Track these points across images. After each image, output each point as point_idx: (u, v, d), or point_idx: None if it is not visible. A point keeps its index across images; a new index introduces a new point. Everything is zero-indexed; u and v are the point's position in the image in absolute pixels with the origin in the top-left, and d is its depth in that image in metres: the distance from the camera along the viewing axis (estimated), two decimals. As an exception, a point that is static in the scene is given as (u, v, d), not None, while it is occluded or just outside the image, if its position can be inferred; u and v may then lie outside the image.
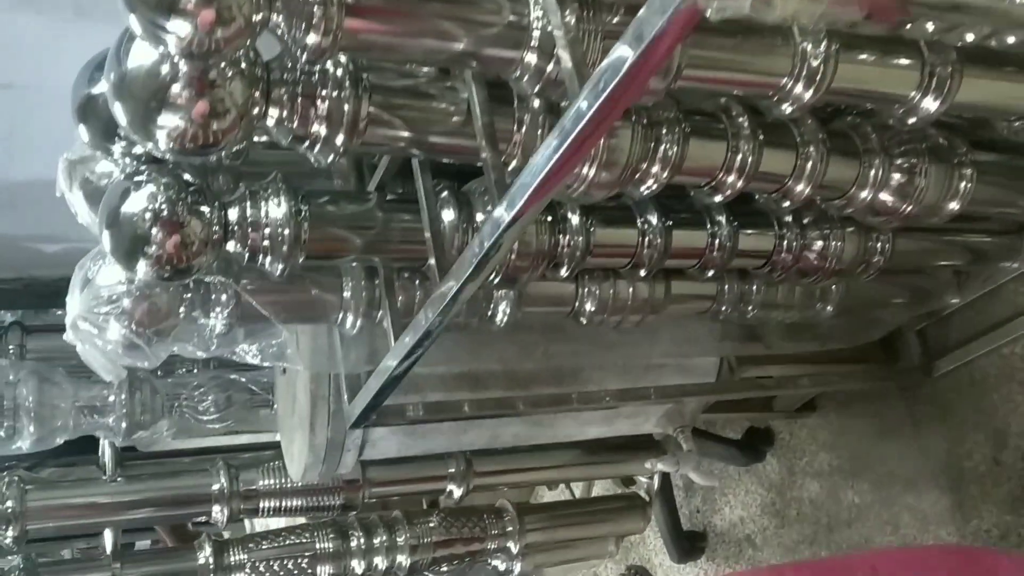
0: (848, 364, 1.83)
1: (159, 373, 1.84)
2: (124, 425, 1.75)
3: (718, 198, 1.23)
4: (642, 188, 1.16)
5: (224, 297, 1.22)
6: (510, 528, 2.10)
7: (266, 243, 1.12)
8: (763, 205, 1.41)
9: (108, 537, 1.79)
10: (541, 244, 1.26)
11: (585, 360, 1.61)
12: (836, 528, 2.10)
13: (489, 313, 1.38)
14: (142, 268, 1.07)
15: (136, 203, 1.06)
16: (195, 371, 1.93)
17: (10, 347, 1.87)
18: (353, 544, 1.93)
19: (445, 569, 2.21)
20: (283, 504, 1.85)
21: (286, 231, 1.12)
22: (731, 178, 1.20)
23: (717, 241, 1.37)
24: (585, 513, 2.25)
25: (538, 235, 1.25)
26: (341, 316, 1.28)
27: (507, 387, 1.57)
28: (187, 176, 1.09)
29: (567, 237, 1.28)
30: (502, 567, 2.27)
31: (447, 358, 1.52)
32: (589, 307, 1.41)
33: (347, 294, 1.25)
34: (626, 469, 2.20)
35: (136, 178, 1.08)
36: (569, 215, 1.27)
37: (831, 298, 1.59)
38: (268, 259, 1.13)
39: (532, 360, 1.59)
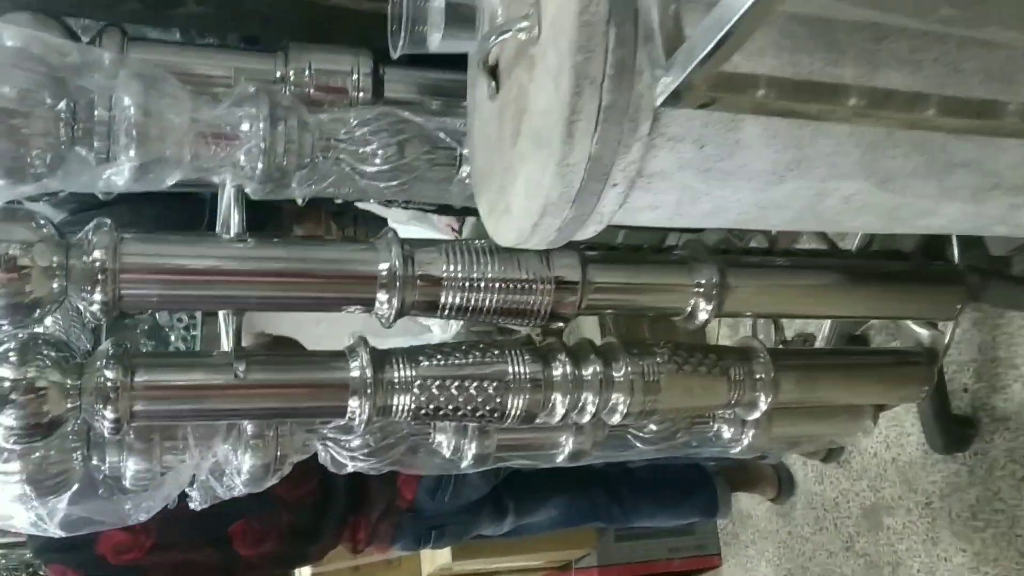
0: None
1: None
2: (260, 165, 1.21)
3: None
4: None
5: None
6: (760, 376, 1.52)
7: None
8: None
9: (224, 323, 1.27)
10: None
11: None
12: None
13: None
14: None
15: None
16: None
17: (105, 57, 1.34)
18: (557, 373, 1.39)
19: (655, 428, 1.66)
20: (472, 301, 1.30)
21: None
22: None
23: None
24: (850, 367, 1.66)
25: None
26: None
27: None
28: None
29: None
30: (728, 433, 1.71)
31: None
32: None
33: None
34: (928, 308, 1.60)
35: None
36: None
37: None
38: None
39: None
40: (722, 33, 0.74)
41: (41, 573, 5.37)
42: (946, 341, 1.66)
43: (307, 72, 1.40)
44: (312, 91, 1.41)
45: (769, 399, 1.52)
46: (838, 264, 1.60)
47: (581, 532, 2.78)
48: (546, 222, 1.03)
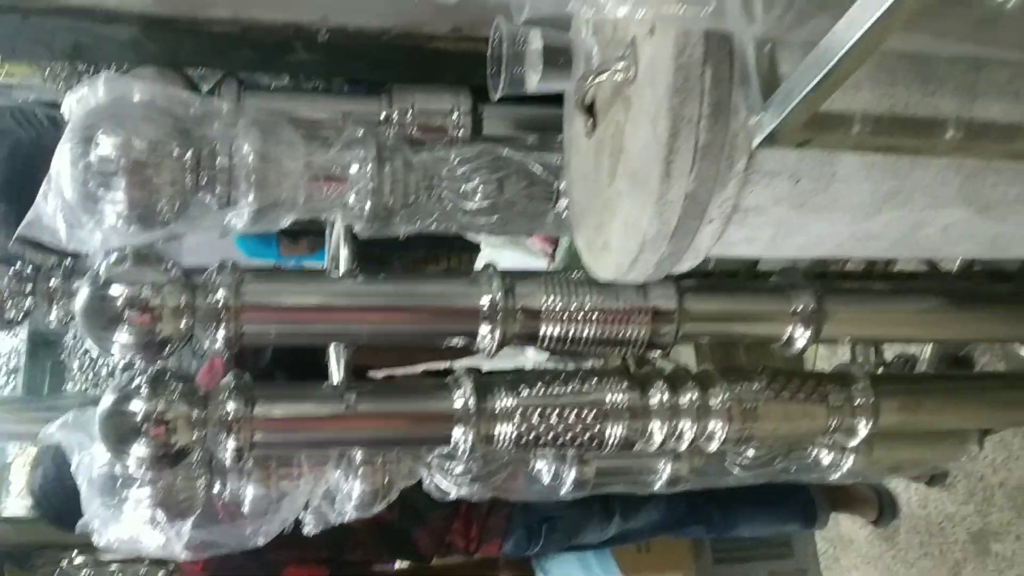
0: None
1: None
2: (368, 205, 1.28)
3: None
4: None
5: None
6: (859, 401, 1.51)
7: None
8: None
9: (335, 357, 1.33)
10: None
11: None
12: None
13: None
14: None
15: None
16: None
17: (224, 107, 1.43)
18: (653, 400, 1.41)
19: (753, 454, 1.67)
20: (571, 332, 1.34)
21: None
22: None
23: None
24: (955, 392, 1.63)
25: None
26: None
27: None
28: None
29: None
30: (827, 459, 1.70)
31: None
32: None
33: None
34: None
35: None
36: None
37: None
38: None
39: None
40: (820, 75, 0.77)
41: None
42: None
43: (410, 112, 1.47)
44: (415, 130, 1.47)
45: (869, 425, 1.51)
46: (939, 287, 1.58)
47: (676, 551, 2.77)
48: (644, 258, 1.07)
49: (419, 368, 2.24)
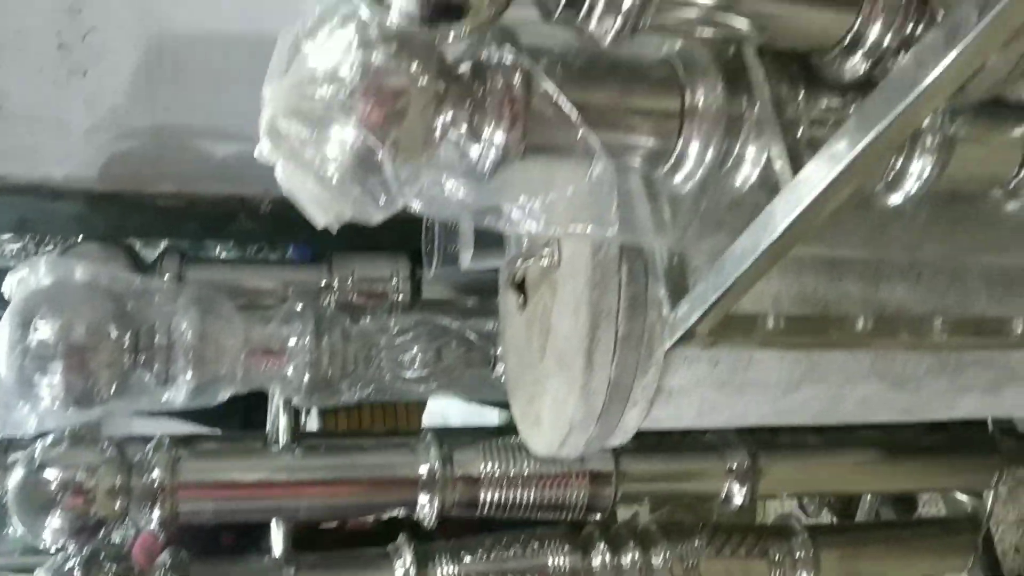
0: None
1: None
2: (306, 377, 1.30)
3: None
4: None
5: (508, 100, 0.75)
6: (800, 554, 1.53)
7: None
8: None
9: (276, 532, 1.33)
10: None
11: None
12: None
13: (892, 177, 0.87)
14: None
15: None
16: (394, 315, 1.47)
17: (165, 277, 1.45)
18: (596, 562, 1.41)
19: (700, 607, 1.67)
20: (511, 498, 1.35)
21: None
22: None
23: None
24: (893, 540, 1.65)
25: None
26: (679, 148, 0.79)
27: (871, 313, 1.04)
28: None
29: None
30: (774, 609, 1.70)
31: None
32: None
33: (697, 99, 0.76)
34: (965, 478, 1.61)
35: None
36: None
37: None
38: None
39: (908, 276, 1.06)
40: (721, 291, 0.81)
41: None
42: (988, 508, 1.65)
43: (350, 280, 1.50)
44: (355, 296, 1.50)
45: (810, 576, 1.53)
46: (874, 438, 1.61)
47: None
48: (572, 438, 1.09)
49: (369, 517, 2.22)
